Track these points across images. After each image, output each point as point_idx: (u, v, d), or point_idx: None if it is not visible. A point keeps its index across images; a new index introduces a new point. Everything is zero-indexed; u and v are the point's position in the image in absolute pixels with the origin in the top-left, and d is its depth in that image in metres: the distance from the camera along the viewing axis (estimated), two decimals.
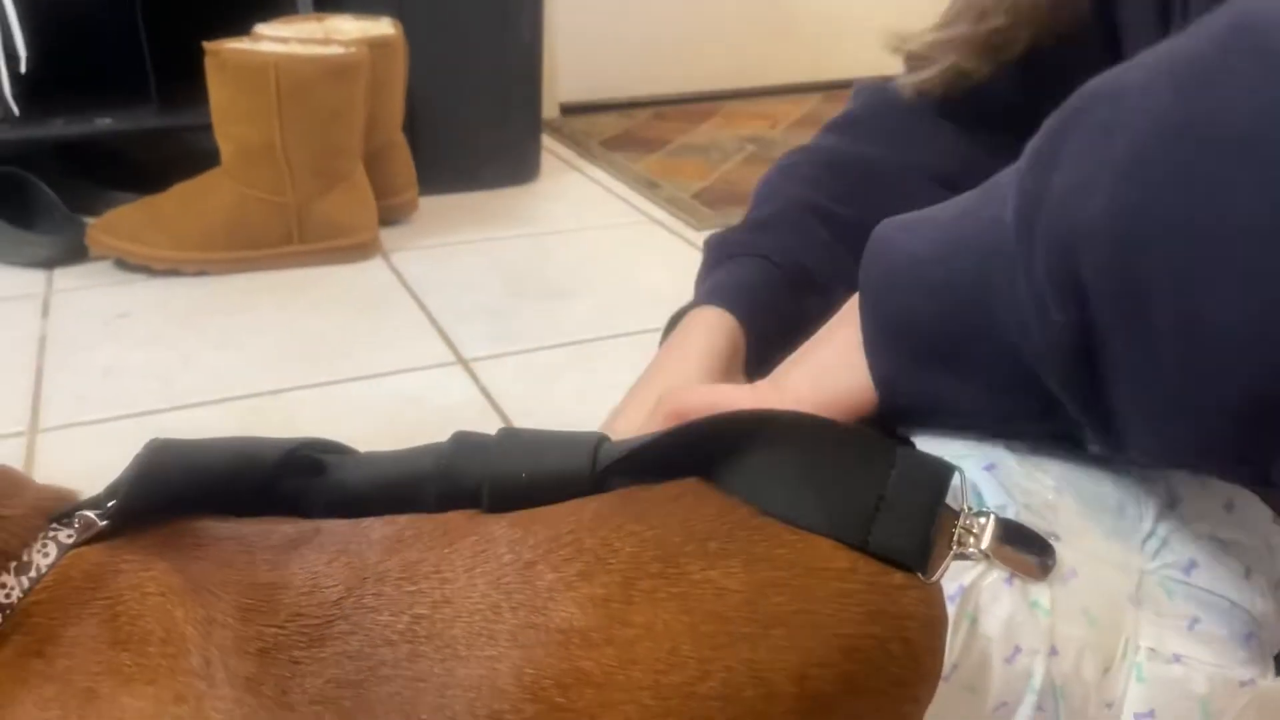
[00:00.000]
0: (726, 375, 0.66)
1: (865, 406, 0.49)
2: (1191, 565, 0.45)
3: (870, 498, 0.44)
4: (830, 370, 0.50)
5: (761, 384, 0.52)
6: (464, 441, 0.50)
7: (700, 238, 1.78)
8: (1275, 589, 0.46)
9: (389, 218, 1.78)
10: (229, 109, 1.57)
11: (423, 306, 1.52)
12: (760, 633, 0.42)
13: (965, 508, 0.45)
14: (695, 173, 2.11)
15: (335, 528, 0.47)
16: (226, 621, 0.43)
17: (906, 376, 0.48)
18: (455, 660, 0.41)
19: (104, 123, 1.77)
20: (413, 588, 0.44)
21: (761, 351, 0.67)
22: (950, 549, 0.44)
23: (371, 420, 1.22)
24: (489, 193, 1.98)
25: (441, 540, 0.46)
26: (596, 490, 0.48)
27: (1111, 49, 0.63)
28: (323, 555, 0.46)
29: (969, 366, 0.46)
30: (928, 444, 0.49)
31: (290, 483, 0.48)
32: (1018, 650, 0.43)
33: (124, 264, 1.58)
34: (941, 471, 0.46)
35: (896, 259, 0.48)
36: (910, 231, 0.48)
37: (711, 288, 0.70)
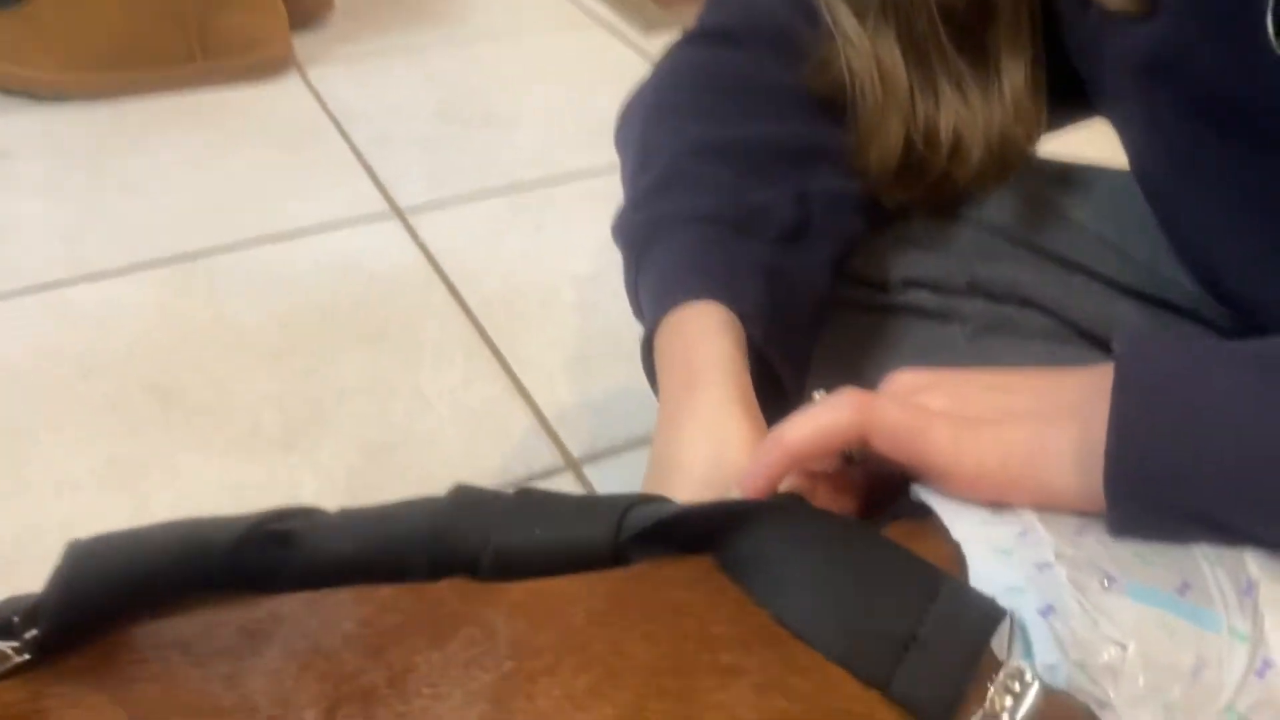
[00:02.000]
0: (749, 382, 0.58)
1: (1074, 507, 0.44)
2: None
3: (902, 633, 0.39)
4: (1052, 462, 0.43)
5: (952, 423, 0.44)
6: (466, 498, 0.43)
7: (651, 45, 1.63)
8: None
9: (301, 22, 1.59)
10: None
11: (348, 138, 1.38)
12: None
13: (1008, 662, 0.39)
14: None
15: (297, 612, 0.40)
16: None
17: (1154, 527, 0.42)
18: None
19: None
20: (404, 707, 0.37)
21: (761, 321, 0.59)
22: (980, 707, 0.39)
23: (304, 291, 1.12)
24: None
25: (431, 633, 0.39)
26: (615, 561, 0.42)
27: None
28: (289, 661, 0.39)
29: (1240, 531, 0.42)
30: (981, 560, 0.43)
31: (252, 560, 0.41)
32: None
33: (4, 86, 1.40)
34: (988, 616, 0.40)
35: (1179, 393, 0.41)
36: (1197, 362, 0.42)
37: (665, 276, 0.60)
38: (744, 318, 0.57)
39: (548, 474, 0.91)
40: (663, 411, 0.55)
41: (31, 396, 0.97)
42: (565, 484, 0.90)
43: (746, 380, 0.54)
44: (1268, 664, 0.40)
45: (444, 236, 1.21)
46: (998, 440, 0.44)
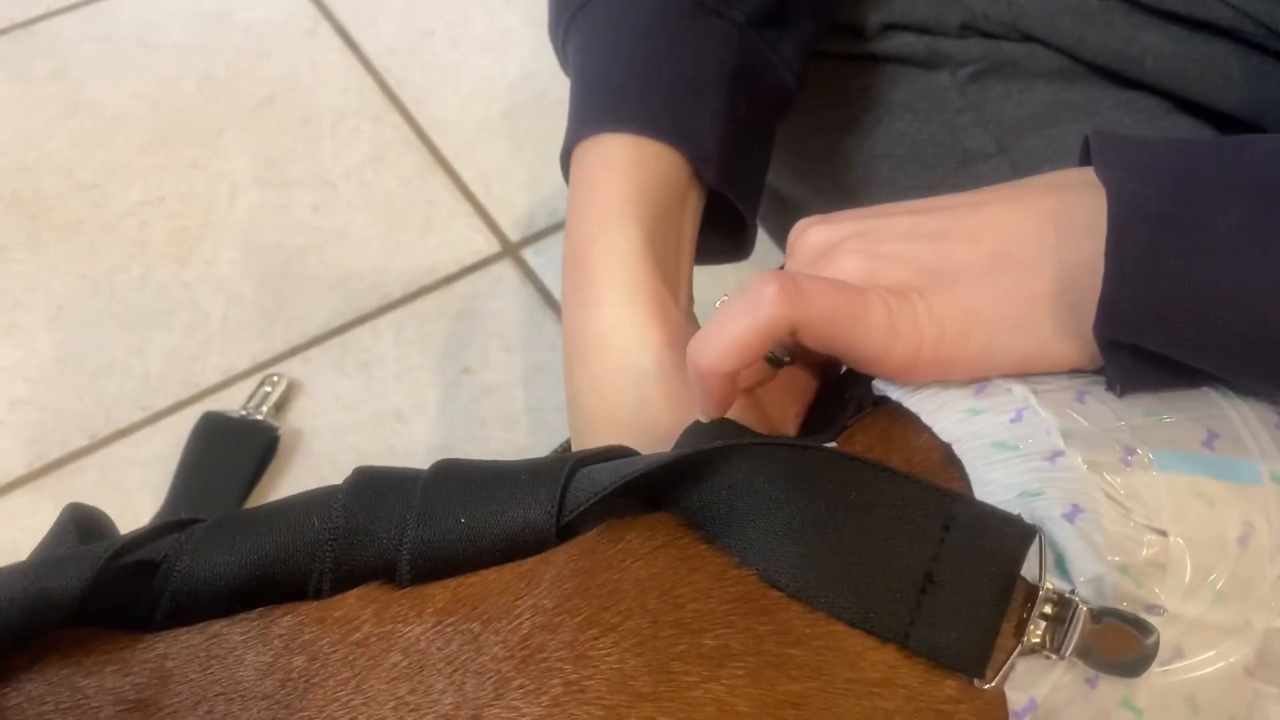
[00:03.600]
0: (677, 260, 0.46)
1: (1018, 369, 0.38)
2: None
3: (915, 572, 0.33)
4: (991, 327, 0.37)
5: (883, 300, 0.37)
6: (369, 486, 0.34)
7: None
8: None
9: None
10: None
11: None
12: None
13: (1043, 587, 0.33)
14: None
15: (182, 669, 0.32)
16: None
17: (1154, 381, 0.37)
18: None
19: None
20: None
21: (718, 158, 0.47)
22: (1017, 642, 0.33)
23: (171, 57, 0.95)
24: None
25: (346, 674, 0.32)
26: (559, 537, 0.35)
27: None
28: None
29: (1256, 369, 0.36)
30: (982, 463, 0.36)
31: (111, 600, 0.33)
32: None
33: None
34: (1015, 537, 0.33)
35: (1177, 235, 0.35)
36: (1196, 194, 0.35)
37: (598, 76, 0.47)
38: (698, 160, 0.46)
39: (483, 264, 0.81)
40: (566, 329, 0.45)
41: None
42: (504, 274, 0.80)
43: (655, 283, 0.44)
44: None
45: None
46: (930, 315, 0.37)
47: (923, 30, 0.58)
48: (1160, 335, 0.35)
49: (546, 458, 0.35)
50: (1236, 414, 0.37)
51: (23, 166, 0.87)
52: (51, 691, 0.32)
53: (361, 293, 0.79)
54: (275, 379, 0.73)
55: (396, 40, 0.96)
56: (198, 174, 0.87)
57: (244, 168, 0.87)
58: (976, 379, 0.38)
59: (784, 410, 0.42)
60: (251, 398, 0.72)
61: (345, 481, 0.34)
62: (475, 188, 0.85)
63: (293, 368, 0.75)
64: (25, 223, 0.84)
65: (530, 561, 0.33)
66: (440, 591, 0.33)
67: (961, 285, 0.37)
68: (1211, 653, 0.35)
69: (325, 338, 0.77)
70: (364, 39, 0.96)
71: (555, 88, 0.89)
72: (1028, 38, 0.58)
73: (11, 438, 0.73)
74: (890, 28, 0.58)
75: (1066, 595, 0.33)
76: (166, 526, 0.34)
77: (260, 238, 0.82)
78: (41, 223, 0.84)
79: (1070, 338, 0.36)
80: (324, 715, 0.31)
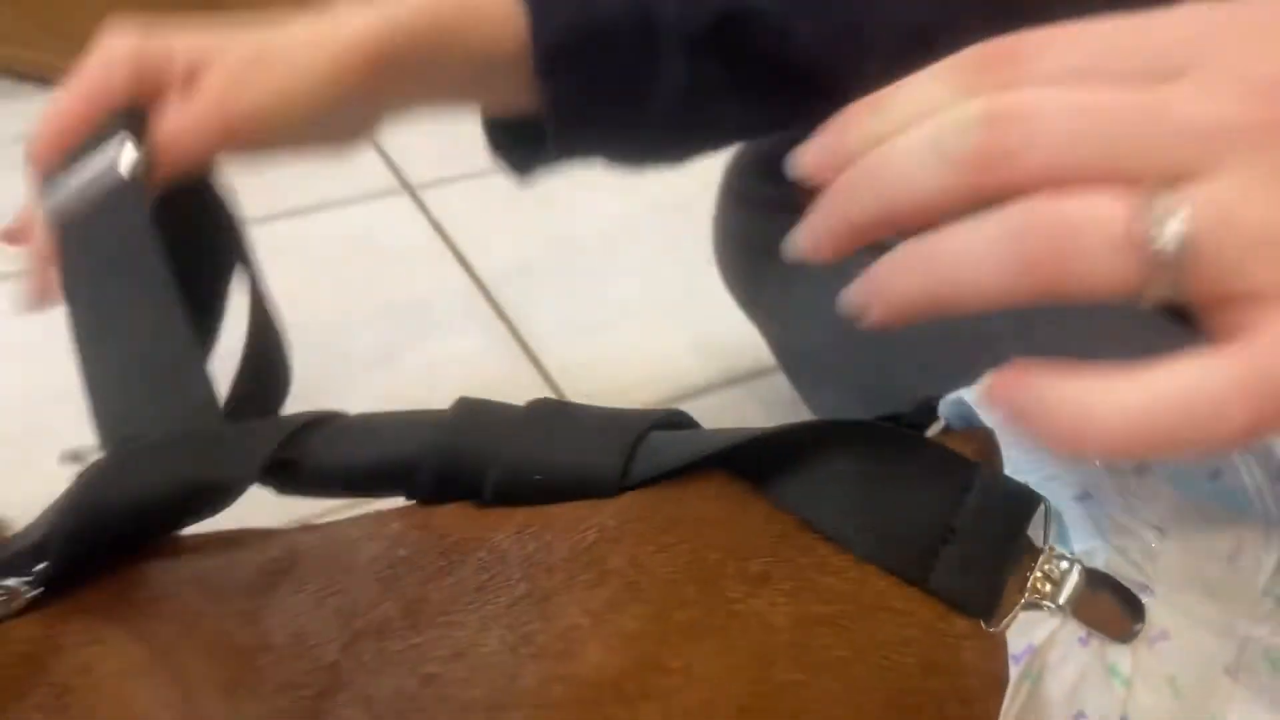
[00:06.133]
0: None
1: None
2: None
3: (937, 526, 0.39)
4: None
5: None
6: (471, 414, 0.44)
7: None
8: None
9: None
10: None
11: None
12: (807, 680, 0.37)
13: (1047, 548, 0.39)
14: None
15: (312, 550, 0.41)
16: (205, 701, 0.36)
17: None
18: None
19: None
20: (419, 639, 0.38)
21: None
22: (1021, 596, 0.39)
23: (314, 267, 1.11)
24: None
25: (442, 564, 0.40)
26: (623, 488, 0.42)
27: None
28: (305, 598, 0.39)
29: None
30: (1016, 450, 0.43)
31: (264, 483, 0.43)
32: (1081, 716, 0.39)
33: (12, 71, 1.40)
34: (1024, 502, 0.40)
35: None
36: None
37: None
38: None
39: None
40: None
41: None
42: None
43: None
44: None
45: (455, 209, 1.20)
46: None
47: None
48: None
49: (624, 414, 0.44)
50: (1241, 460, 0.41)
51: None
52: (204, 557, 0.41)
53: None
54: None
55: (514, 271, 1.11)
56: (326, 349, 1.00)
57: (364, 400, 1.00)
58: None
59: None
60: None
61: (453, 406, 0.43)
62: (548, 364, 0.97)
63: None
64: None
65: (599, 499, 0.41)
66: (520, 513, 0.41)
67: None
68: (1196, 642, 0.39)
69: None
70: (482, 263, 1.11)
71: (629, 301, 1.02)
72: None
73: None
74: None
75: (1068, 556, 0.39)
76: (310, 422, 0.43)
77: None
78: None
79: None
80: (419, 592, 0.39)
